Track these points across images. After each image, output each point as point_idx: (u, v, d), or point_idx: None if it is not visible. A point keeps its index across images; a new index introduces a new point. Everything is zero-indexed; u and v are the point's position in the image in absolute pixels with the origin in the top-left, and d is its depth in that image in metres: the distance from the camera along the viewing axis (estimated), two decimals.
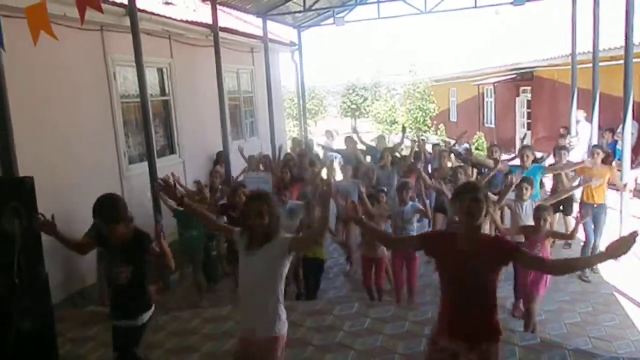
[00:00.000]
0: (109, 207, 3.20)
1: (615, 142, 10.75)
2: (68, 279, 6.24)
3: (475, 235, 2.61)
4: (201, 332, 5.01)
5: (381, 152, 8.55)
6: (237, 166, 9.02)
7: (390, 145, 11.10)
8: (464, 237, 2.62)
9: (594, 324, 5.39)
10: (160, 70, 8.65)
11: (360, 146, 9.21)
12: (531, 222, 5.46)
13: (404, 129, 10.38)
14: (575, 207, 7.35)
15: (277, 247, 2.91)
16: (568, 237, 5.57)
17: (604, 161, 6.88)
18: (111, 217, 3.18)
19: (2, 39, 3.39)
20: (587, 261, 2.65)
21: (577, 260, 2.64)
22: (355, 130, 9.39)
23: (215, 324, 5.18)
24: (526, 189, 5.66)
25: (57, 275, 5.94)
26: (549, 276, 4.94)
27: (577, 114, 11.36)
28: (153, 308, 3.47)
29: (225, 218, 6.17)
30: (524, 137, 11.70)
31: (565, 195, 6.72)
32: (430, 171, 8.58)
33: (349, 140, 9.69)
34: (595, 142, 9.82)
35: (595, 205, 6.58)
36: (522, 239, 5.30)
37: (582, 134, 10.54)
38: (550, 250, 5.30)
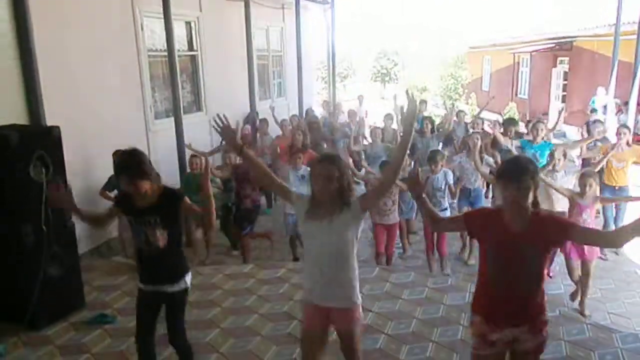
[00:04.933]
0: (134, 161, 2.88)
1: None
2: (95, 230, 6.34)
3: (525, 214, 2.36)
4: (223, 287, 5.08)
5: (421, 120, 8.31)
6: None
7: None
8: (512, 217, 2.38)
9: (614, 300, 5.31)
10: (188, 24, 8.52)
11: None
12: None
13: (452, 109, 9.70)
14: None
15: (352, 213, 2.62)
16: (620, 199, 5.94)
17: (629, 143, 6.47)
18: (138, 172, 2.85)
19: None
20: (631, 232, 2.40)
21: (624, 229, 2.38)
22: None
23: (237, 280, 5.25)
24: (558, 159, 5.55)
25: (84, 227, 6.01)
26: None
27: (598, 91, 11.19)
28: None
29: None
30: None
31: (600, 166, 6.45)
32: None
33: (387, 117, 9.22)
34: (632, 117, 9.46)
35: (616, 188, 6.35)
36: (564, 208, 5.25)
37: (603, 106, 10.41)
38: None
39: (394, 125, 8.75)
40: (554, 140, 7.55)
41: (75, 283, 4.54)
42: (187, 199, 2.98)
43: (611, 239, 2.60)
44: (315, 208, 2.64)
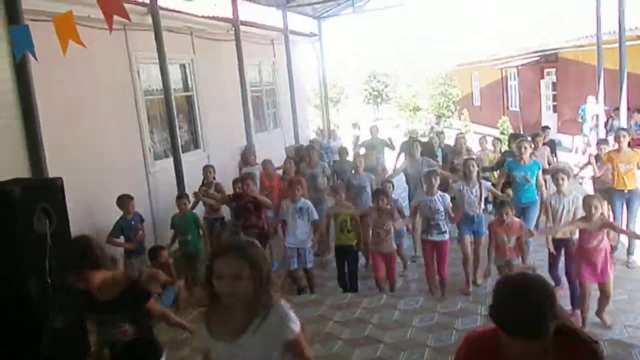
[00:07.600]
0: (79, 251, 2.56)
1: None
2: None
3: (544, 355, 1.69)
4: None
5: (408, 141, 8.32)
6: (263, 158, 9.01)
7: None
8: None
9: (629, 312, 5.18)
10: (182, 66, 8.68)
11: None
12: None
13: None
14: None
15: (275, 326, 1.92)
16: (625, 232, 5.53)
17: (630, 144, 6.54)
18: (85, 262, 2.52)
19: (33, 49, 3.41)
20: None
21: None
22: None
23: None
24: (562, 179, 5.22)
25: None
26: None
27: (587, 99, 11.64)
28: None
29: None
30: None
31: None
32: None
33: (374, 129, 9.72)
34: (624, 123, 9.59)
35: (626, 192, 6.32)
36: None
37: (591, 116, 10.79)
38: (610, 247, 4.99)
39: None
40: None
41: (81, 334, 4.50)
42: (153, 300, 2.70)
43: None
44: (221, 319, 1.95)
